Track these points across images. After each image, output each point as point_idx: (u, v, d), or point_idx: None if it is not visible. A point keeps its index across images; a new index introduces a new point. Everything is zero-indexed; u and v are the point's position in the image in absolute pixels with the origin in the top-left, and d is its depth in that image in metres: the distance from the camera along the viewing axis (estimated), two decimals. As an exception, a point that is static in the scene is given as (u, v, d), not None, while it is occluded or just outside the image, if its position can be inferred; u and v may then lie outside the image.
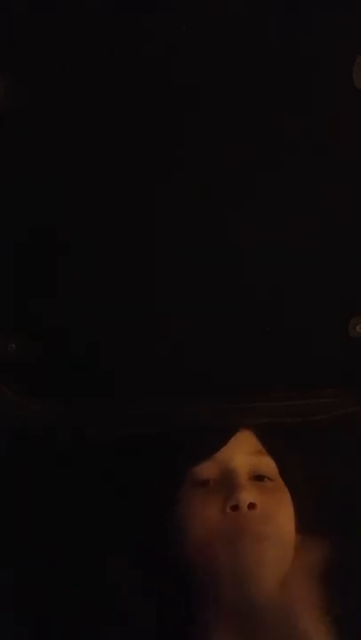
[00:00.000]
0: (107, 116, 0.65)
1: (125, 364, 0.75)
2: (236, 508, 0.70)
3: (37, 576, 0.77)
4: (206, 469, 0.73)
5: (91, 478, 0.79)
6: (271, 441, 0.76)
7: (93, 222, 0.68)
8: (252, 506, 0.70)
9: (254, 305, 0.72)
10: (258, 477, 0.74)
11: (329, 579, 0.76)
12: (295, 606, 0.73)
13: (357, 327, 0.73)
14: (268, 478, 0.74)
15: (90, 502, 0.78)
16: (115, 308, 0.72)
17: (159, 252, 0.69)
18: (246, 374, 0.75)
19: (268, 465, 0.75)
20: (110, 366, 0.75)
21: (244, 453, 0.74)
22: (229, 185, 0.67)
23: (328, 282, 0.72)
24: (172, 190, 0.67)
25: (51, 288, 0.71)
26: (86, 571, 0.75)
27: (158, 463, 0.75)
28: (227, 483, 0.72)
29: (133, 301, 0.71)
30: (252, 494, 0.71)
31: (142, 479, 0.75)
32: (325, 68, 0.63)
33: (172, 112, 0.65)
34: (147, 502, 0.74)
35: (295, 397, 0.76)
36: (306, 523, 0.76)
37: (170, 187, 0.67)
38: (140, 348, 0.74)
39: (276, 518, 0.71)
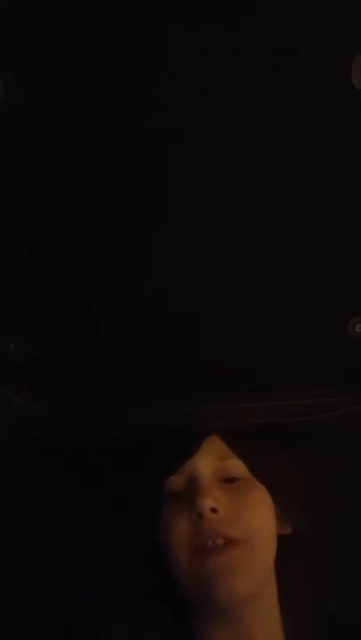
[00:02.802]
0: (106, 114, 0.64)
1: (125, 363, 0.75)
2: (200, 515, 0.71)
3: (37, 575, 0.78)
4: (177, 481, 0.75)
5: (91, 479, 0.79)
6: (239, 443, 0.76)
7: (94, 222, 0.68)
8: (214, 510, 0.71)
9: (254, 305, 0.72)
10: (228, 480, 0.75)
11: (323, 578, 0.76)
12: (286, 604, 0.72)
13: (357, 327, 0.73)
14: (238, 478, 0.75)
15: (90, 503, 0.78)
16: (115, 308, 0.72)
17: (158, 253, 0.69)
18: (246, 374, 0.75)
19: (236, 466, 0.75)
20: (111, 366, 0.75)
21: (209, 459, 0.75)
22: (228, 184, 0.67)
23: (328, 282, 0.72)
24: (172, 190, 0.67)
25: (51, 288, 0.71)
26: (85, 570, 0.75)
27: (138, 478, 0.76)
28: (192, 491, 0.73)
29: (133, 301, 0.71)
30: (214, 498, 0.71)
31: (129, 490, 0.76)
32: (324, 67, 0.63)
33: (172, 109, 0.65)
34: (135, 515, 0.75)
35: (295, 397, 0.76)
36: (302, 523, 0.76)
37: (169, 187, 0.67)
38: (140, 348, 0.74)
39: (245, 519, 0.72)
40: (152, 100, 0.64)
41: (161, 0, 0.61)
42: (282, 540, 0.76)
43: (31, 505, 0.78)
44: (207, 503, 0.71)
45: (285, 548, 0.75)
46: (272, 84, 0.64)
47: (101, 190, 0.67)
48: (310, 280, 0.71)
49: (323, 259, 0.71)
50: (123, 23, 0.62)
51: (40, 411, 0.75)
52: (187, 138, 0.65)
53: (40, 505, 0.78)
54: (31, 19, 0.61)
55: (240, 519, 0.71)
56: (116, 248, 0.69)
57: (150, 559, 0.74)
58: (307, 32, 0.62)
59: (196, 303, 0.71)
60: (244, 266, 0.70)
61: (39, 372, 0.75)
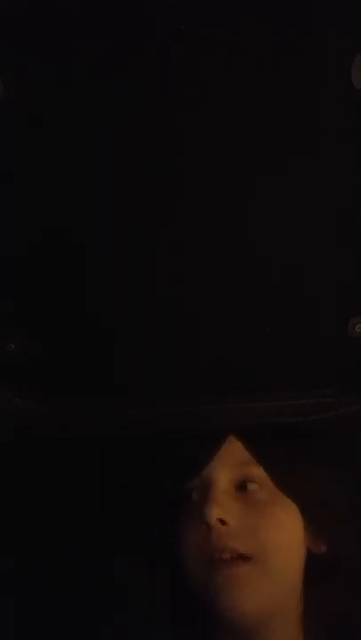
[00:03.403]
0: (107, 114, 0.64)
1: (126, 363, 0.75)
2: (208, 525, 0.68)
3: (37, 575, 0.78)
4: (193, 487, 0.72)
5: (91, 479, 0.79)
6: (260, 449, 0.73)
7: (94, 221, 0.68)
8: (222, 522, 0.68)
9: (253, 305, 0.72)
10: (245, 489, 0.71)
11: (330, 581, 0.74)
12: (311, 629, 0.69)
13: (357, 327, 0.73)
14: (257, 488, 0.72)
15: (90, 503, 0.78)
16: (115, 307, 0.72)
17: (158, 253, 0.69)
18: (246, 374, 0.75)
19: (256, 474, 0.72)
20: (111, 366, 0.75)
21: (228, 465, 0.72)
22: (228, 184, 0.67)
23: (328, 282, 0.72)
24: (172, 190, 0.67)
25: (51, 288, 0.71)
26: (86, 570, 0.75)
27: (150, 480, 0.74)
28: (204, 499, 0.70)
29: (133, 301, 0.71)
30: (224, 509, 0.68)
31: (139, 490, 0.75)
32: (324, 67, 0.63)
33: (173, 110, 0.65)
34: (146, 516, 0.74)
35: (295, 397, 0.76)
36: (337, 541, 0.73)
37: (170, 187, 0.67)
38: (140, 348, 0.74)
39: (257, 534, 0.69)
40: (152, 99, 0.64)
41: (161, 0, 0.61)
42: (315, 560, 0.72)
43: (31, 505, 0.78)
44: (215, 514, 0.68)
45: (318, 568, 0.72)
46: (272, 84, 0.64)
47: (102, 190, 0.67)
48: (310, 280, 0.71)
49: (323, 259, 0.71)
50: (123, 23, 0.62)
51: (40, 411, 0.75)
52: (187, 138, 0.65)
53: (40, 505, 0.78)
54: (31, 19, 0.61)
55: (252, 533, 0.68)
56: (117, 248, 0.69)
57: (151, 561, 0.73)
58: (307, 32, 0.62)
59: (196, 303, 0.71)
60: (244, 266, 0.70)
61: (39, 372, 0.75)
